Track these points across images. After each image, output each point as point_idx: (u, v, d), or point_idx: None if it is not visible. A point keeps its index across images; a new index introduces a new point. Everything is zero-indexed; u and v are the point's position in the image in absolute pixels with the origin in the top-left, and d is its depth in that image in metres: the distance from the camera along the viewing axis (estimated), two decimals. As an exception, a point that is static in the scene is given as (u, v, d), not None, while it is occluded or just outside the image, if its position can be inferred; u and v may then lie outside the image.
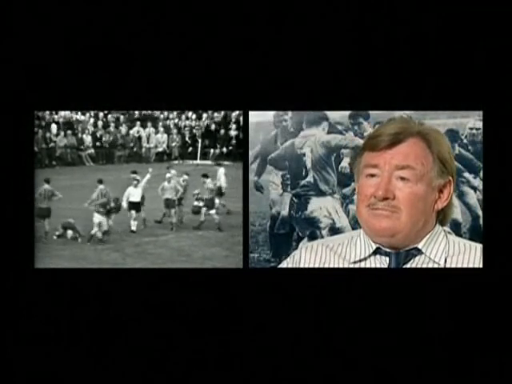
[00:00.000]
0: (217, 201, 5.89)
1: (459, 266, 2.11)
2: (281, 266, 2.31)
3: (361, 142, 4.20)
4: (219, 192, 5.85)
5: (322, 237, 4.21)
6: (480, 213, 4.12)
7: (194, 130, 6.78)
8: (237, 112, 6.31)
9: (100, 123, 6.70)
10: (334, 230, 4.26)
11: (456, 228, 4.09)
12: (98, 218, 5.34)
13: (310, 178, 4.33)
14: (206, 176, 5.78)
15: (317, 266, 2.21)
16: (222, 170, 5.97)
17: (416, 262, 2.11)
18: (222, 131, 6.64)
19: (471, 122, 4.17)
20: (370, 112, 4.23)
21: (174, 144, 6.74)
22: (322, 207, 4.32)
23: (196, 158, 6.63)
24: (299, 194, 4.35)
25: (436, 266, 2.11)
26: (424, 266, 2.11)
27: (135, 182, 5.52)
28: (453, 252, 2.12)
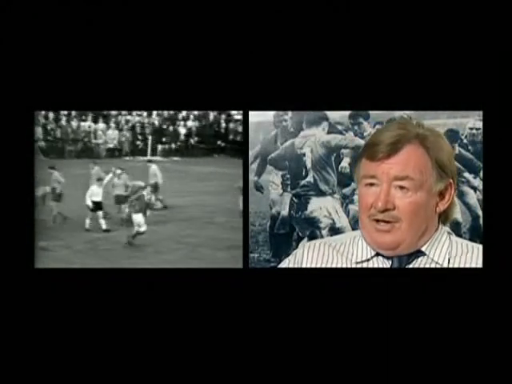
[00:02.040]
0: (153, 197, 5.85)
1: (462, 266, 2.11)
2: (282, 264, 2.31)
3: (361, 142, 4.20)
4: (154, 188, 5.83)
5: (322, 237, 4.20)
6: (480, 213, 4.11)
7: (145, 128, 6.75)
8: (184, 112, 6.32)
9: (51, 115, 6.59)
10: (334, 230, 4.25)
11: (456, 228, 4.07)
12: (136, 217, 5.29)
13: (310, 178, 4.32)
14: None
15: (319, 264, 2.21)
16: (154, 167, 5.96)
17: (419, 264, 2.11)
18: (171, 128, 6.63)
19: (471, 121, 4.16)
20: (370, 112, 4.22)
21: (124, 139, 6.69)
22: (322, 207, 4.31)
23: (146, 155, 6.62)
24: (299, 194, 4.34)
25: (438, 267, 2.11)
26: (427, 267, 2.11)
27: (99, 182, 5.49)
28: (456, 253, 2.11)
